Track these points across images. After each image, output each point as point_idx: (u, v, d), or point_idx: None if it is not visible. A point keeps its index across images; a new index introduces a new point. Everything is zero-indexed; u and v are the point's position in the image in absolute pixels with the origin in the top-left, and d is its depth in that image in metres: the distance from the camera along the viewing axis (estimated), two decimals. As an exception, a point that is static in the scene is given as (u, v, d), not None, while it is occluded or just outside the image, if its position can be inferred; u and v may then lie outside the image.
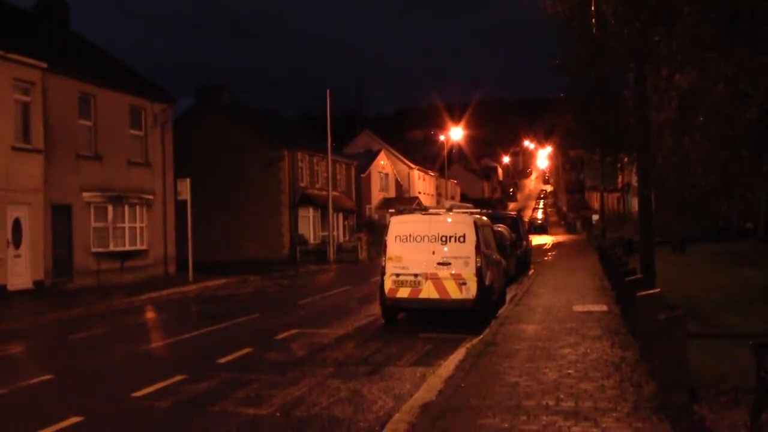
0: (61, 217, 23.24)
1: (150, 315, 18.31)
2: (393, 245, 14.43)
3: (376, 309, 15.68)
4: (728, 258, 25.43)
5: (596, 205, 69.92)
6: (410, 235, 14.34)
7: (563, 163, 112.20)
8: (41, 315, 17.38)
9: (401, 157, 69.81)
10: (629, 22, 12.96)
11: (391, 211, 16.79)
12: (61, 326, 16.03)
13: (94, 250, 24.65)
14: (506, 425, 6.68)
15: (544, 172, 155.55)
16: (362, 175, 56.27)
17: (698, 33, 11.90)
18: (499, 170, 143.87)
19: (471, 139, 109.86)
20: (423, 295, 14.02)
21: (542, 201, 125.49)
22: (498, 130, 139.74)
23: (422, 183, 74.09)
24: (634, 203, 46.28)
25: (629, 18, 12.86)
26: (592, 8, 15.33)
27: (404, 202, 57.18)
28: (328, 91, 39.93)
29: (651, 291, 9.26)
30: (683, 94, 15.24)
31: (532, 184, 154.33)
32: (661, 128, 17.87)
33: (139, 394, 8.94)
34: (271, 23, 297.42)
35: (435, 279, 13.95)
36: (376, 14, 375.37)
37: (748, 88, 13.11)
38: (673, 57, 13.79)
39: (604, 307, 15.13)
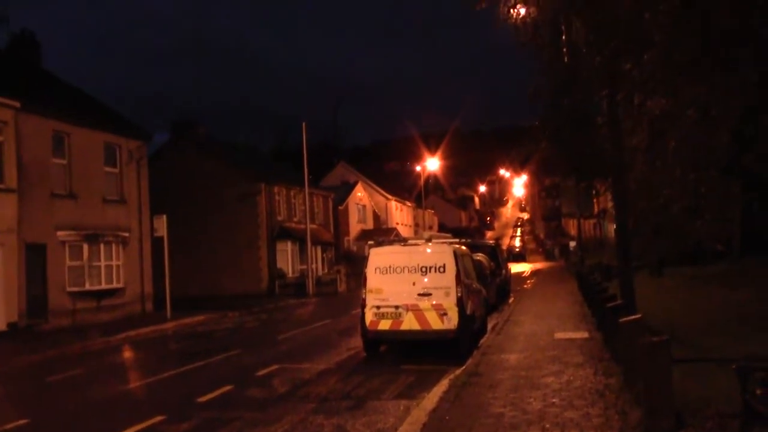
0: (35, 257, 22.89)
1: (128, 354, 18.02)
2: (373, 277, 14.36)
3: (357, 342, 15.55)
4: (705, 280, 25.56)
5: (573, 232, 70.44)
6: (390, 267, 14.27)
7: (539, 190, 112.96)
8: (16, 357, 17.03)
9: (378, 189, 69.96)
10: (600, 49, 13.14)
11: (369, 242, 16.67)
12: (37, 368, 15.71)
13: (69, 289, 24.29)
14: (493, 457, 6.61)
15: (520, 200, 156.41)
16: (340, 208, 56.28)
17: (669, 60, 12.06)
18: (476, 199, 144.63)
19: (447, 169, 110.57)
20: (404, 326, 13.92)
21: (520, 229, 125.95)
22: (474, 160, 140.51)
23: (400, 214, 74.19)
24: (611, 229, 46.59)
25: (600, 46, 13.03)
26: (564, 36, 15.54)
27: (382, 233, 57.12)
28: (303, 124, 39.92)
29: (633, 317, 9.26)
30: (655, 119, 15.42)
31: (508, 212, 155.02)
32: (634, 153, 18.06)
33: (117, 436, 8.75)
34: (245, 55, 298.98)
35: (416, 310, 13.87)
36: (352, 46, 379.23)
37: (718, 111, 13.30)
38: (644, 84, 13.97)
39: (586, 334, 15.12)
